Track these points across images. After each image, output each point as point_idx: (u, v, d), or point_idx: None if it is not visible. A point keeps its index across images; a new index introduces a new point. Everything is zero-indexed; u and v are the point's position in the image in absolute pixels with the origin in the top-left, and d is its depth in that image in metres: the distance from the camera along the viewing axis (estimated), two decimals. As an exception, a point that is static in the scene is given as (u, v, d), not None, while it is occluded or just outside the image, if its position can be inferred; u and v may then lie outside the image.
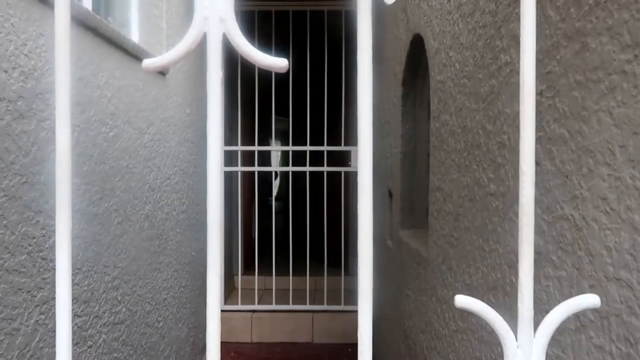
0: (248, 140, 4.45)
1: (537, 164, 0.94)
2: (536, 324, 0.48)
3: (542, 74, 0.93)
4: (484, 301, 0.50)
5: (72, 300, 1.67)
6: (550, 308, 0.47)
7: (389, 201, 2.85)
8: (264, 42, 3.97)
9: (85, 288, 1.78)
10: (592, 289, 0.76)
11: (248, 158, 4.49)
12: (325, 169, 4.11)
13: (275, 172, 8.39)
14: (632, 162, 0.67)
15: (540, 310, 0.83)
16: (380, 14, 3.36)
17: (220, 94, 0.45)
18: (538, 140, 0.94)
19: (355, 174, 3.76)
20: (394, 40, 2.72)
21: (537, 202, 0.94)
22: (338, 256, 4.26)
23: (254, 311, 4.07)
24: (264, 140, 4.69)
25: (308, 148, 4.09)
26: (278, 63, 0.46)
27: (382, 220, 3.11)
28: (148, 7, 2.64)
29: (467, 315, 1.37)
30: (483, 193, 1.26)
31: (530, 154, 0.45)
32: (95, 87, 1.86)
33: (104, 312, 1.92)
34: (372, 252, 0.46)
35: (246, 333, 4.02)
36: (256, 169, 4.16)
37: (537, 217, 0.94)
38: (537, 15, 0.93)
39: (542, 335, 0.47)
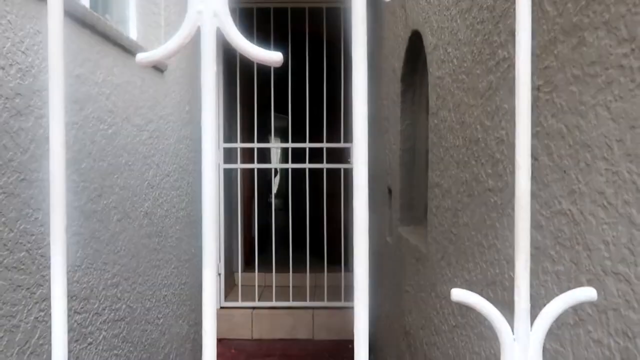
0: (247, 137, 4.45)
1: (535, 159, 0.94)
2: (534, 318, 0.48)
3: (539, 69, 0.93)
4: (482, 297, 0.50)
5: (72, 297, 1.68)
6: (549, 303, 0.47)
7: (388, 198, 2.85)
8: (263, 39, 3.96)
9: (85, 285, 1.78)
10: (590, 284, 0.76)
11: (247, 155, 4.49)
12: (324, 165, 4.11)
13: (275, 170, 8.39)
14: (630, 157, 0.67)
15: (539, 305, 0.83)
16: (378, 11, 3.36)
17: (215, 88, 0.45)
18: (536, 135, 0.94)
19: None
20: (392, 37, 2.71)
21: (535, 197, 0.94)
22: (338, 252, 4.26)
23: (254, 308, 4.07)
24: (264, 137, 4.69)
25: (307, 145, 4.09)
26: (273, 57, 0.46)
27: (382, 216, 3.11)
28: (146, 4, 2.63)
29: (466, 310, 1.37)
30: (481, 189, 1.26)
31: (526, 147, 0.45)
32: (93, 85, 1.86)
33: (104, 309, 1.93)
34: (367, 249, 0.46)
35: (246, 330, 4.03)
36: (255, 166, 4.16)
37: (535, 212, 0.94)
38: (535, 10, 0.93)
39: (538, 328, 0.47)
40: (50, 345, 1.54)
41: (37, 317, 1.44)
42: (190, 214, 3.15)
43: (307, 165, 4.10)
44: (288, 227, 4.25)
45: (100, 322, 1.89)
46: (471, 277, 1.33)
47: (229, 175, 4.25)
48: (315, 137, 4.16)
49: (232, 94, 4.24)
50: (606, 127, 0.72)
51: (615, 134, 0.70)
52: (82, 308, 1.75)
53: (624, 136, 0.68)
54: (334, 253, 4.32)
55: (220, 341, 3.96)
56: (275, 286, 4.09)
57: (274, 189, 7.55)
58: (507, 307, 0.48)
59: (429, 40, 1.85)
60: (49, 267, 1.54)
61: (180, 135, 2.97)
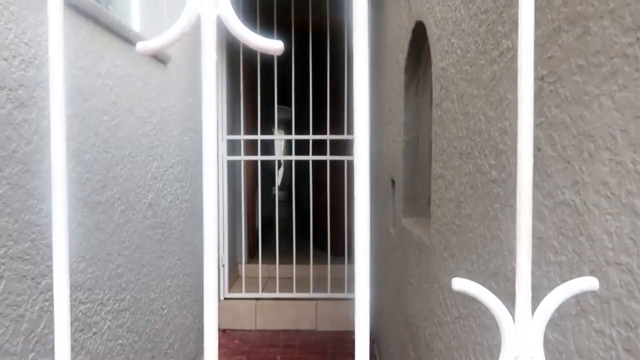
0: (251, 129, 4.45)
1: (539, 149, 0.94)
2: (536, 308, 0.49)
3: (543, 59, 0.93)
4: (485, 288, 0.50)
5: (77, 287, 1.69)
6: (548, 291, 0.47)
7: (392, 189, 2.85)
8: (266, 31, 3.95)
9: (89, 276, 1.79)
10: (592, 274, 0.76)
11: (251, 148, 4.49)
12: (328, 157, 4.10)
13: (279, 162, 8.39)
14: (633, 146, 0.66)
15: (541, 296, 0.83)
16: (381, 2, 3.34)
17: (215, 77, 0.45)
18: (540, 125, 0.94)
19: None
20: (396, 28, 2.70)
21: (539, 187, 0.94)
22: (341, 244, 4.27)
23: (257, 299, 4.09)
24: (267, 130, 4.69)
25: (311, 137, 4.09)
26: (273, 45, 0.45)
27: (385, 208, 3.11)
28: (149, -5, 2.62)
29: (469, 301, 1.37)
30: (485, 180, 1.25)
31: (528, 136, 0.45)
32: (96, 76, 1.86)
33: (109, 300, 1.94)
34: (369, 241, 0.46)
35: (250, 320, 4.05)
36: (259, 158, 4.16)
37: (539, 202, 0.94)
38: (539, -1, 0.92)
39: (539, 317, 0.47)
40: (53, 335, 1.55)
41: (42, 307, 1.46)
42: (194, 205, 3.16)
43: (310, 157, 4.10)
44: (291, 219, 4.26)
45: (105, 312, 1.91)
46: (474, 268, 1.33)
47: (232, 167, 4.26)
48: (319, 129, 4.15)
49: (236, 86, 4.24)
50: (610, 117, 0.71)
51: (619, 124, 0.69)
52: (86, 298, 1.76)
53: (628, 126, 0.67)
54: (337, 245, 4.33)
55: (224, 332, 3.99)
56: (279, 278, 4.11)
57: (278, 181, 7.55)
58: (509, 298, 0.48)
59: (432, 31, 1.84)
60: (51, 258, 1.55)
61: (184, 127, 2.97)
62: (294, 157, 4.22)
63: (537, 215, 0.93)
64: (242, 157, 4.19)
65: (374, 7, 3.76)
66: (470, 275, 1.35)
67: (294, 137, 4.21)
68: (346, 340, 3.76)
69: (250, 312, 4.06)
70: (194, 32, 0.46)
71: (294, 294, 4.09)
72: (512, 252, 1.07)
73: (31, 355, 1.40)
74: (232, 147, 4.18)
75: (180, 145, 2.90)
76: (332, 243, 4.32)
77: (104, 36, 1.92)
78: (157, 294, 2.50)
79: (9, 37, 1.33)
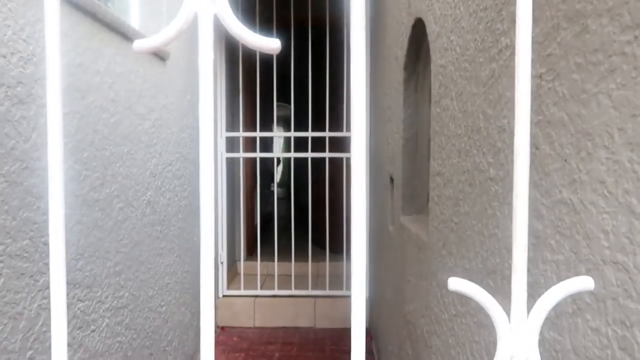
0: (250, 126, 4.45)
1: (537, 147, 0.94)
2: (532, 307, 0.49)
3: (542, 57, 0.92)
4: (482, 286, 0.50)
5: (75, 285, 1.69)
6: (544, 290, 0.47)
7: (390, 187, 2.85)
8: (265, 28, 3.94)
9: (88, 273, 1.79)
10: (589, 273, 0.76)
11: (250, 144, 4.49)
12: (327, 154, 4.10)
13: (278, 159, 8.39)
14: (631, 145, 0.66)
15: (538, 294, 0.83)
16: (382, -2, 3.33)
17: (212, 74, 0.45)
18: (538, 124, 0.94)
19: (357, 160, 3.74)
20: (395, 25, 2.69)
21: (536, 186, 0.94)
22: (340, 241, 4.28)
23: (256, 296, 4.10)
24: (266, 127, 4.69)
25: (310, 134, 4.09)
26: (270, 44, 0.45)
27: (384, 205, 3.11)
28: (148, -8, 2.62)
29: (466, 299, 1.37)
30: (483, 178, 1.25)
31: (525, 133, 0.45)
32: (95, 73, 1.85)
33: (107, 297, 1.94)
34: (365, 238, 0.47)
35: (249, 318, 4.06)
36: (258, 155, 4.16)
37: (536, 201, 0.94)
38: (538, -4, 0.92)
39: (535, 316, 0.47)
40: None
41: (41, 305, 1.46)
42: (193, 203, 3.16)
43: (309, 155, 4.10)
44: (290, 216, 4.26)
45: (103, 310, 1.91)
46: (472, 266, 1.33)
47: (231, 164, 4.26)
48: (318, 126, 4.15)
49: (235, 83, 4.23)
50: (608, 115, 0.71)
51: (616, 122, 0.69)
52: (85, 296, 1.76)
53: (626, 125, 0.67)
54: (336, 242, 4.34)
55: (222, 329, 3.99)
56: (278, 275, 4.11)
57: (277, 178, 7.55)
58: (507, 297, 0.48)
59: (431, 28, 1.84)
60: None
61: (183, 124, 2.97)
62: (292, 154, 4.22)
63: (535, 214, 0.93)
64: (241, 154, 4.19)
65: (373, 4, 3.76)
66: (468, 273, 1.36)
67: (292, 134, 4.21)
68: (345, 337, 3.77)
69: (248, 309, 4.06)
70: (192, 29, 0.46)
71: (292, 291, 4.09)
72: (509, 250, 1.08)
73: (29, 352, 1.41)
74: (231, 144, 4.18)
75: (179, 143, 2.90)
76: (331, 240, 4.32)
77: (102, 33, 1.91)
78: (155, 291, 2.50)
79: (7, 34, 1.33)
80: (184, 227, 2.98)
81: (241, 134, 4.15)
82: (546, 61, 0.91)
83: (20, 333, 1.37)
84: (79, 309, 1.72)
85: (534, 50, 0.95)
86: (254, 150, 4.25)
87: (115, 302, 2.02)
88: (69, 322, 1.65)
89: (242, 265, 4.28)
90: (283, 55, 3.97)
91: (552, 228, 0.88)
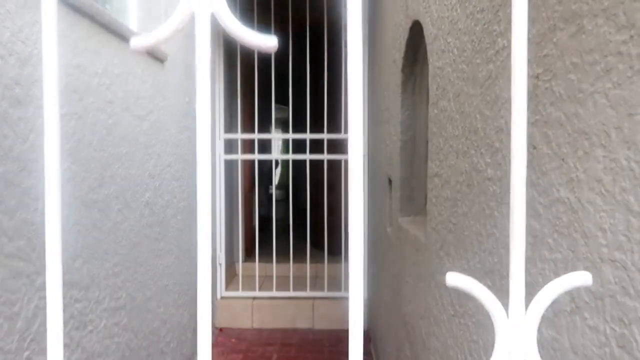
0: (248, 128, 4.45)
1: (534, 147, 0.94)
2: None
3: (539, 57, 0.93)
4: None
5: (73, 285, 1.69)
6: (541, 287, 0.47)
7: (389, 188, 2.86)
8: (264, 30, 3.95)
9: (86, 274, 1.79)
10: (586, 271, 0.76)
11: (248, 147, 4.49)
12: (325, 156, 4.11)
13: (276, 161, 8.39)
14: (627, 144, 0.67)
15: (536, 293, 0.83)
16: (379, 1, 3.34)
17: (209, 74, 0.45)
18: (535, 123, 0.94)
19: (355, 161, 3.75)
20: (393, 27, 2.70)
21: (534, 185, 0.94)
22: (338, 243, 4.28)
23: (254, 298, 4.10)
24: (264, 129, 4.69)
25: (308, 136, 4.09)
26: (267, 42, 0.46)
27: (382, 207, 3.11)
28: (146, -6, 2.62)
29: (464, 300, 1.37)
30: (480, 178, 1.26)
31: (522, 134, 0.45)
32: (93, 74, 1.85)
33: (104, 298, 1.94)
34: (362, 239, 0.47)
35: (247, 319, 4.05)
36: (256, 156, 4.16)
37: (534, 200, 0.94)
38: (535, -3, 0.93)
39: (534, 311, 0.47)
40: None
41: (38, 305, 1.46)
42: (191, 204, 3.16)
43: (307, 157, 4.10)
44: (289, 218, 4.26)
45: (101, 310, 1.91)
46: (470, 266, 1.34)
47: (229, 166, 4.26)
48: (316, 128, 4.15)
49: (233, 84, 4.23)
50: (604, 114, 0.72)
51: (613, 122, 0.70)
52: (82, 296, 1.76)
53: (622, 123, 0.68)
54: (334, 244, 4.34)
55: (220, 330, 3.99)
56: (276, 276, 4.11)
57: (275, 181, 7.54)
58: (505, 296, 0.48)
59: (429, 30, 1.84)
60: (49, 256, 1.55)
61: (181, 126, 2.97)
62: (291, 156, 4.22)
63: (532, 213, 0.94)
64: (239, 156, 4.19)
65: (371, 6, 3.77)
66: (466, 273, 1.35)
67: (291, 135, 4.21)
68: (343, 338, 3.76)
69: (247, 311, 4.06)
70: (191, 30, 0.46)
71: (291, 293, 4.09)
72: (507, 250, 1.08)
73: (26, 353, 1.40)
74: (229, 146, 4.18)
75: (177, 144, 2.90)
76: (329, 242, 4.32)
77: (100, 34, 1.91)
78: (153, 293, 2.50)
79: (6, 35, 1.33)
80: (183, 228, 2.98)
81: (239, 135, 4.15)
82: (543, 62, 0.91)
83: (17, 333, 1.37)
84: (76, 309, 1.71)
85: (530, 51, 0.95)
86: (252, 153, 4.25)
87: (113, 303, 2.01)
88: (66, 323, 1.65)
89: (240, 266, 4.28)
90: (281, 58, 3.98)
91: (550, 227, 0.88)
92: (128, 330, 2.17)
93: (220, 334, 3.94)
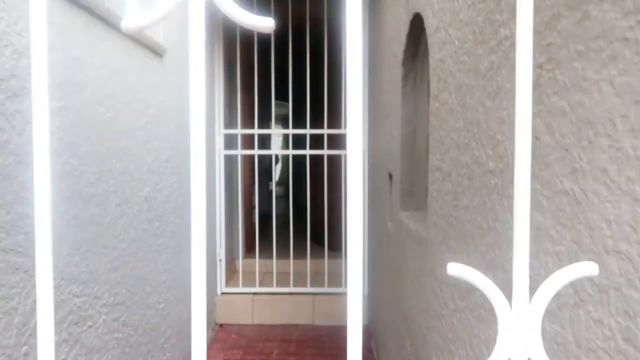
0: (248, 124, 4.43)
1: (537, 138, 0.92)
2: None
3: (542, 46, 0.91)
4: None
5: (71, 280, 1.67)
6: (546, 276, 0.46)
7: (389, 184, 2.84)
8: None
9: (84, 269, 1.77)
10: (590, 263, 0.75)
11: (248, 143, 4.47)
12: (325, 152, 4.09)
13: (277, 157, 8.37)
14: (634, 132, 0.65)
15: (539, 287, 0.82)
16: (380, -6, 3.31)
17: (203, 54, 0.44)
18: (538, 114, 0.92)
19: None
20: (394, 21, 2.68)
21: (537, 177, 0.93)
22: (338, 239, 4.26)
23: (255, 293, 4.09)
24: (264, 125, 4.67)
25: (308, 131, 4.07)
26: (263, 23, 0.44)
27: (383, 202, 3.10)
28: (144, -13, 2.60)
29: (465, 294, 1.36)
30: (482, 171, 1.24)
31: (527, 125, 0.44)
32: (91, 67, 1.84)
33: (103, 293, 1.93)
34: (362, 235, 0.46)
35: (247, 315, 4.04)
36: (256, 152, 4.14)
37: (537, 192, 0.92)
38: (538, -15, 0.91)
39: (537, 303, 0.46)
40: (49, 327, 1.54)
41: (36, 300, 1.44)
42: (191, 199, 3.14)
43: (307, 152, 4.08)
44: (289, 214, 4.25)
45: (100, 306, 1.90)
46: (471, 260, 1.32)
47: (229, 162, 4.24)
48: (317, 123, 4.13)
49: (233, 80, 4.22)
50: (610, 102, 0.70)
51: (619, 109, 0.68)
52: (81, 291, 1.75)
53: (628, 111, 0.66)
54: (334, 239, 4.33)
55: (221, 326, 3.98)
56: (276, 272, 4.10)
57: (276, 177, 7.53)
58: (507, 290, 0.47)
59: (430, 23, 1.82)
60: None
61: (181, 120, 2.95)
62: (291, 152, 4.20)
63: (535, 205, 0.92)
64: (239, 152, 4.17)
65: (371, 0, 3.74)
66: (468, 268, 1.34)
67: (291, 131, 4.19)
68: (343, 334, 3.75)
69: (247, 307, 4.05)
70: (182, 14, 0.44)
71: (291, 289, 4.08)
72: (509, 244, 1.06)
73: (24, 348, 1.39)
74: (229, 142, 4.16)
75: (176, 139, 2.88)
76: (329, 238, 4.31)
77: (98, 27, 1.90)
78: (153, 288, 2.49)
79: (1, 27, 1.31)
80: (182, 223, 2.96)
81: (239, 131, 4.13)
82: (546, 50, 0.90)
83: (15, 328, 1.36)
84: (75, 304, 1.70)
85: (534, 40, 0.94)
86: (252, 148, 4.23)
87: (112, 298, 2.00)
88: (65, 318, 1.63)
89: (240, 262, 4.27)
90: (281, 52, 3.94)
91: (553, 219, 0.87)
92: (127, 326, 2.16)
93: (220, 329, 3.94)
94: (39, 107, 0.44)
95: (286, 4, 4.04)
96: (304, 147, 4.09)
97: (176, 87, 2.88)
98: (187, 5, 0.44)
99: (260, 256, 4.15)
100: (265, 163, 6.55)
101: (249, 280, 4.15)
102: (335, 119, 4.15)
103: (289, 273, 4.10)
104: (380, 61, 3.30)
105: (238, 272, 4.23)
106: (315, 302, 4.04)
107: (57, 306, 1.59)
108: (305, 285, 4.09)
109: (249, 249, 4.73)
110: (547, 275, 0.88)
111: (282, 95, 4.56)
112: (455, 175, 1.48)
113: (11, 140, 1.35)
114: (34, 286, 1.44)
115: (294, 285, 4.08)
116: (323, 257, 4.17)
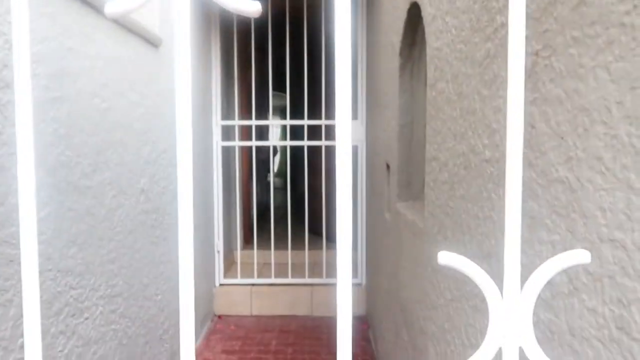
0: (245, 115, 4.41)
1: (532, 126, 0.92)
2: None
3: (538, 33, 0.90)
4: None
5: (67, 272, 1.67)
6: (538, 264, 0.45)
7: (387, 174, 2.83)
8: (261, 17, 3.89)
9: (80, 261, 1.77)
10: (585, 252, 0.74)
11: (246, 134, 4.46)
12: (323, 143, 4.08)
13: (275, 149, 8.35)
14: (629, 119, 0.64)
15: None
16: (378, -17, 3.28)
17: (189, 38, 0.43)
18: (533, 101, 0.92)
19: (354, 147, 3.73)
20: (391, 10, 2.66)
21: (532, 165, 0.92)
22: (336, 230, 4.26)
23: (253, 285, 4.09)
24: (262, 117, 4.65)
25: (305, 122, 4.06)
26: (250, 7, 0.43)
27: (380, 193, 3.09)
28: (139, -23, 2.57)
29: (461, 284, 1.36)
30: (478, 160, 1.23)
31: (519, 109, 0.43)
32: (85, 58, 1.82)
33: (100, 285, 1.92)
34: (351, 226, 0.46)
35: (246, 306, 4.05)
36: (254, 143, 4.13)
37: (532, 180, 0.92)
38: (534, -30, 0.89)
39: (529, 291, 0.45)
40: (45, 319, 1.53)
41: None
42: (188, 191, 3.13)
43: (305, 143, 4.07)
44: (287, 205, 4.25)
45: (97, 298, 1.89)
46: (467, 250, 1.32)
47: (227, 153, 4.23)
48: (314, 114, 4.12)
49: (230, 71, 4.19)
50: (605, 89, 0.69)
51: (614, 96, 0.67)
52: (77, 283, 1.74)
53: (624, 97, 0.65)
54: (332, 230, 4.32)
55: (219, 317, 3.99)
56: (274, 263, 4.10)
57: (275, 168, 7.52)
58: (502, 279, 0.46)
59: (427, 11, 1.81)
60: (42, 243, 1.53)
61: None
62: (288, 143, 4.19)
63: (530, 194, 0.92)
64: (237, 143, 4.16)
65: (369, -10, 3.71)
66: (464, 257, 1.34)
67: (288, 122, 4.18)
68: (342, 325, 3.77)
69: (245, 298, 4.06)
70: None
71: (289, 280, 4.09)
72: (504, 233, 1.06)
73: (20, 340, 1.39)
74: (227, 133, 4.15)
75: (173, 130, 2.87)
76: (327, 229, 4.31)
77: (92, 16, 1.87)
78: (150, 280, 2.49)
79: (-8, 16, 1.29)
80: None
81: (237, 122, 4.12)
82: (542, 37, 0.89)
83: (11, 320, 1.35)
84: (71, 296, 1.70)
85: (529, 26, 0.93)
86: (250, 140, 4.22)
87: (109, 290, 2.00)
88: (61, 310, 1.63)
89: (239, 254, 4.27)
90: (278, 43, 3.91)
91: (548, 208, 0.86)
92: (125, 318, 2.16)
93: (218, 321, 3.95)
94: (22, 99, 0.43)
95: (283, -7, 4.01)
96: (302, 138, 4.08)
97: (172, 78, 2.86)
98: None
99: (258, 247, 4.15)
100: (264, 154, 6.54)
101: (247, 272, 4.16)
102: (334, 109, 4.13)
103: (287, 264, 4.10)
104: (378, 51, 3.28)
105: (236, 263, 4.23)
106: (314, 292, 4.05)
107: (54, 298, 1.58)
108: (303, 276, 4.10)
109: (247, 241, 4.73)
110: (541, 264, 0.88)
111: (279, 86, 4.53)
112: (452, 164, 1.47)
113: (3, 131, 1.34)
114: (29, 278, 1.44)
115: (293, 276, 4.09)
116: (321, 248, 4.17)
